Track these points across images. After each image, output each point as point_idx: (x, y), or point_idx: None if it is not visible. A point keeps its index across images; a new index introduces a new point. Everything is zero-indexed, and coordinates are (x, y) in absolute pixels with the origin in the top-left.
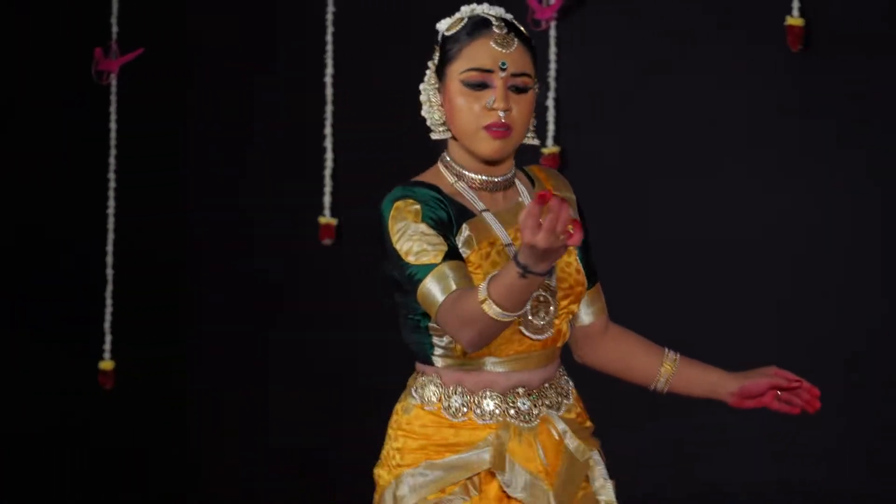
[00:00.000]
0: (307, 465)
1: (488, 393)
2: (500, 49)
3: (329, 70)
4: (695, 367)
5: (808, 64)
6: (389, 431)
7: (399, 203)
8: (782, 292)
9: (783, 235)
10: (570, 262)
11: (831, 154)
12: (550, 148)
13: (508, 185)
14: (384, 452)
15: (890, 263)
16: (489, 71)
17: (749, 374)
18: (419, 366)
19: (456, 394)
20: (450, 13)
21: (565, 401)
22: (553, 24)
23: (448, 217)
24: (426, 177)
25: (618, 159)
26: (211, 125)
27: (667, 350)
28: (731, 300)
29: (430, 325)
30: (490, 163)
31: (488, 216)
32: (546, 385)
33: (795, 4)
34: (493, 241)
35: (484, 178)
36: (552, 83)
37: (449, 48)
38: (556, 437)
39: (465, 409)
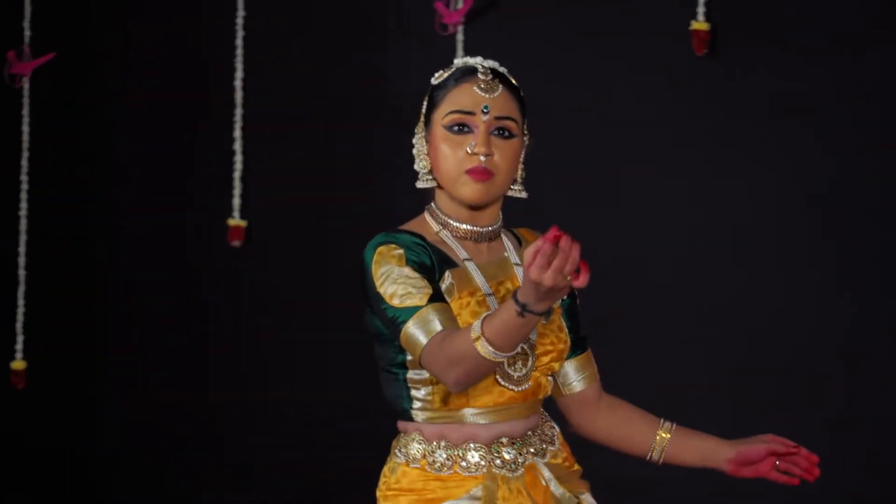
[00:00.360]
0: (221, 463)
1: (472, 445)
2: (482, 94)
3: (239, 74)
4: (690, 435)
5: (713, 67)
6: (378, 494)
7: (382, 248)
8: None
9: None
10: (554, 319)
11: (738, 156)
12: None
13: (494, 236)
14: None
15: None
16: (471, 113)
17: (746, 440)
18: (401, 424)
19: (440, 448)
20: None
21: (550, 447)
22: (461, 28)
23: (431, 263)
24: (411, 225)
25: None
26: (122, 128)
27: (662, 419)
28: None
29: (408, 376)
30: (475, 210)
31: (470, 265)
32: (529, 433)
33: (701, 9)
34: (474, 292)
35: (468, 227)
36: None
37: (435, 95)
38: (544, 484)
39: (449, 463)
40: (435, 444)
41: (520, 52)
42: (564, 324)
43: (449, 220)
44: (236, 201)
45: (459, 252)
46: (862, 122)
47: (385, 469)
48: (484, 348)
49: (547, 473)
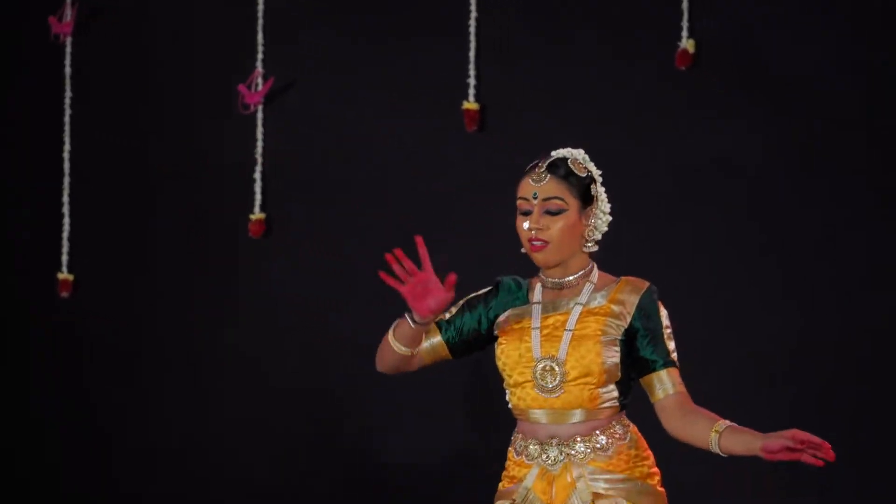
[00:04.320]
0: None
1: (532, 441)
2: (533, 184)
3: (67, 146)
4: (737, 431)
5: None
6: None
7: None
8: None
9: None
10: (590, 350)
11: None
12: (257, 214)
13: (572, 285)
14: None
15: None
16: (527, 199)
17: (771, 435)
18: None
19: (519, 439)
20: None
21: (601, 452)
22: (261, 107)
23: (494, 300)
24: (535, 276)
25: (319, 227)
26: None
27: (719, 420)
28: None
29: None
30: (551, 268)
31: (536, 307)
32: (577, 438)
33: (471, 91)
34: (521, 321)
35: (551, 279)
36: (259, 159)
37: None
38: (569, 480)
39: (520, 450)
40: (520, 435)
41: (314, 128)
42: (604, 350)
43: (540, 274)
44: (65, 258)
45: (536, 296)
46: None
47: None
48: (392, 341)
49: (576, 473)
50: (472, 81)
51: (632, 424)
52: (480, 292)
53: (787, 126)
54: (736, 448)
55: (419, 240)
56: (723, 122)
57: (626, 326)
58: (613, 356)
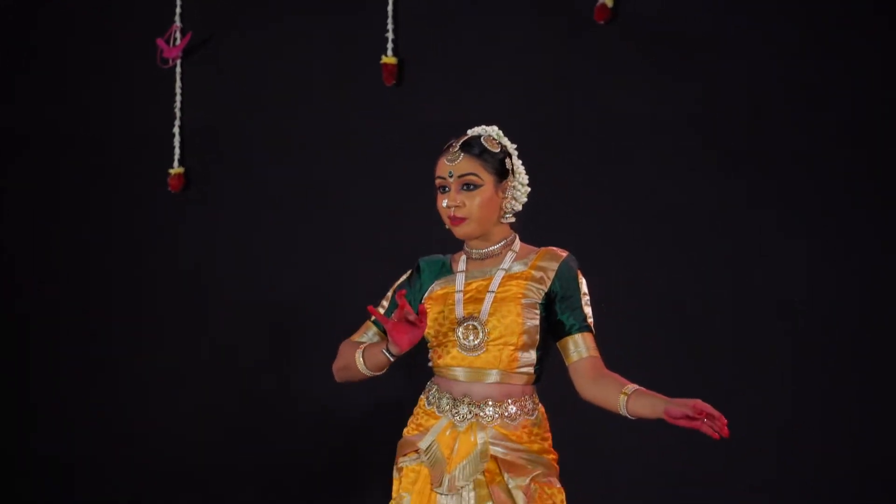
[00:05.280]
0: None
1: (447, 395)
2: (448, 163)
3: None
4: (644, 395)
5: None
6: None
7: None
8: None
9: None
10: (510, 311)
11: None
12: (176, 169)
13: (494, 255)
14: None
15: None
16: (443, 178)
17: (676, 401)
18: None
19: (432, 391)
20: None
21: (507, 420)
22: (179, 62)
23: (419, 282)
24: (460, 251)
25: (238, 181)
26: None
27: (628, 385)
28: None
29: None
30: (473, 241)
31: (460, 275)
32: (488, 401)
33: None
34: (445, 287)
35: (474, 251)
36: (178, 113)
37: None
38: (472, 439)
39: (433, 401)
40: (434, 387)
41: (233, 83)
42: (524, 311)
43: (465, 247)
44: None
45: (460, 266)
46: None
47: None
48: (361, 366)
49: (482, 434)
50: (390, 36)
51: (541, 405)
52: (403, 279)
53: (702, 82)
54: (643, 411)
55: (401, 294)
56: (641, 76)
57: (546, 290)
58: (533, 318)
